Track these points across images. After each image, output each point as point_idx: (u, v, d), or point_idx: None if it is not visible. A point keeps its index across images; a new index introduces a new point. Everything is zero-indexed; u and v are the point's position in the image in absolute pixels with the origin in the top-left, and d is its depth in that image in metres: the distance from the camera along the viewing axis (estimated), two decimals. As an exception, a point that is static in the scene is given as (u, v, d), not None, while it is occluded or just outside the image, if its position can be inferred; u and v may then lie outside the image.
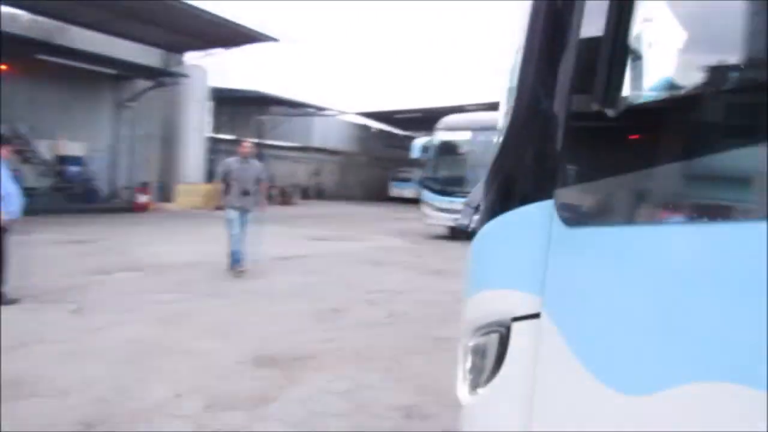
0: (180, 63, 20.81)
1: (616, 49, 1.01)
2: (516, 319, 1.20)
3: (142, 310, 5.56)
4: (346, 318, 5.68)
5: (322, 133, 34.44)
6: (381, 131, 38.94)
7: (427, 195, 14.44)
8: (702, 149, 0.96)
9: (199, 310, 5.68)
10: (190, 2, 15.96)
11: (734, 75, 1.01)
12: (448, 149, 14.89)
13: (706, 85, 1.02)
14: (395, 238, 13.61)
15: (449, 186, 14.21)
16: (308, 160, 34.02)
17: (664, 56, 1.09)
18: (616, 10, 1.01)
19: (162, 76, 19.51)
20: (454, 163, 14.76)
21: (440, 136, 15.00)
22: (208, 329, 5.00)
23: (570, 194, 1.08)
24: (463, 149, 14.77)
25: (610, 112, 1.01)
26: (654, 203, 1.03)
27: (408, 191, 33.82)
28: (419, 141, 14.81)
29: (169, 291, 6.48)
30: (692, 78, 1.06)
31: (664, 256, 0.96)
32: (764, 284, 0.79)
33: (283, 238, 11.44)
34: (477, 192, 1.91)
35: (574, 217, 1.08)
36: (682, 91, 1.06)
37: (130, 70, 18.54)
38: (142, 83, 19.39)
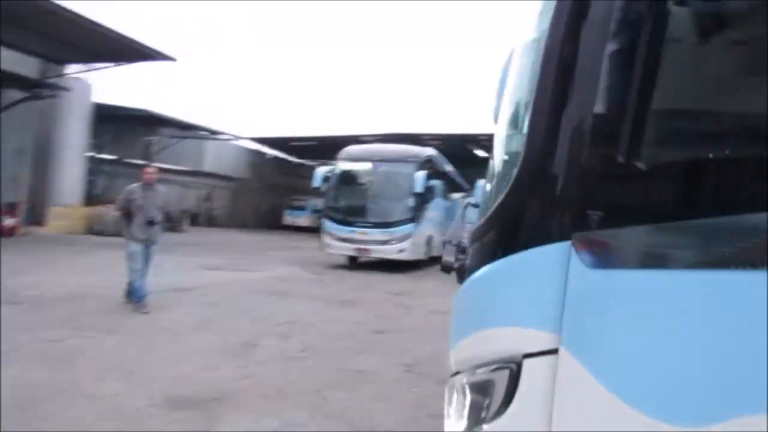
0: (60, 75, 19.23)
1: (641, 100, 1.11)
2: (528, 355, 1.25)
3: (27, 349, 4.96)
4: (258, 352, 5.46)
5: (215, 158, 33.30)
6: (276, 158, 38.45)
7: (328, 224, 14.42)
8: (725, 205, 1.07)
9: (93, 348, 5.18)
10: (76, 10, 14.86)
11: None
12: (349, 179, 15.04)
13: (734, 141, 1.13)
14: (295, 267, 13.39)
15: (350, 216, 14.31)
16: (199, 185, 32.66)
17: (688, 106, 1.21)
18: (642, 60, 1.11)
19: (38, 87, 17.86)
20: (356, 193, 14.92)
21: (342, 165, 15.13)
22: (109, 369, 4.56)
23: (591, 237, 1.16)
24: (364, 179, 14.99)
25: (638, 166, 1.11)
26: (675, 252, 1.13)
27: (302, 219, 33.55)
28: (321, 170, 14.82)
29: (56, 327, 5.85)
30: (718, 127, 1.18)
31: (682, 299, 1.05)
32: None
33: (176, 267, 10.81)
34: (456, 229, 1.95)
35: (595, 260, 1.15)
36: (709, 146, 1.17)
37: (-1, 79, 16.77)
38: (13, 94, 17.62)
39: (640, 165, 1.13)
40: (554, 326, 1.20)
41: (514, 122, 1.60)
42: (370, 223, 14.04)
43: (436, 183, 15.94)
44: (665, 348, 1.06)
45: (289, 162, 39.44)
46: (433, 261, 16.78)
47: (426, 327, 7.36)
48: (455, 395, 1.63)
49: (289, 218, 34.56)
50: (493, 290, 1.36)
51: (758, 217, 1.02)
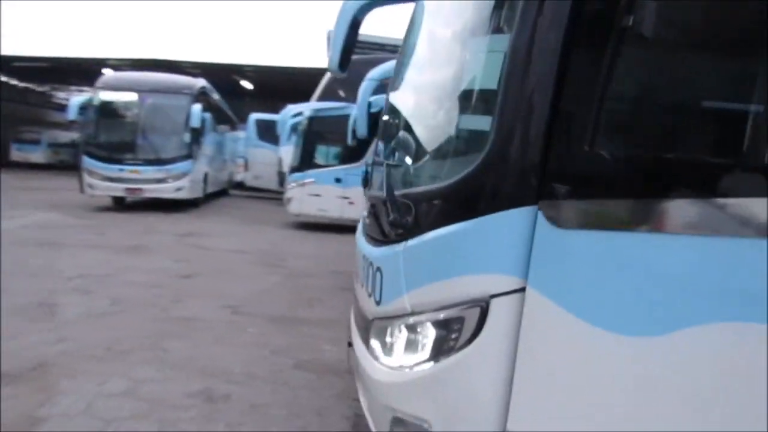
0: None
1: (600, 93, 1.48)
2: (495, 295, 1.60)
3: None
4: (61, 312, 4.91)
5: None
6: (-7, 80, 31.58)
7: (89, 162, 12.77)
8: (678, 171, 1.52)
9: None
10: None
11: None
12: (114, 111, 13.44)
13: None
14: (52, 212, 11.68)
15: (118, 153, 12.92)
16: None
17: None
18: (599, 57, 1.47)
19: None
20: (124, 127, 13.44)
21: (103, 95, 13.37)
22: None
23: (554, 204, 1.52)
24: (132, 112, 13.55)
25: (591, 153, 1.49)
26: (618, 219, 1.55)
27: (36, 155, 28.75)
28: (77, 99, 12.89)
29: None
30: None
31: (627, 251, 1.50)
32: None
33: None
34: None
35: (556, 221, 1.52)
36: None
37: None
38: None
39: (594, 152, 1.52)
40: (521, 272, 1.56)
41: (461, 96, 1.86)
42: (142, 160, 12.89)
43: (209, 116, 15.26)
44: (618, 282, 1.50)
45: (12, 86, 32.82)
46: (209, 198, 16.29)
47: (233, 268, 7.36)
48: (400, 332, 1.92)
49: (19, 154, 29.21)
50: (463, 244, 1.65)
51: (679, 202, 1.50)
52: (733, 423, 1.49)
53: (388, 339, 2.04)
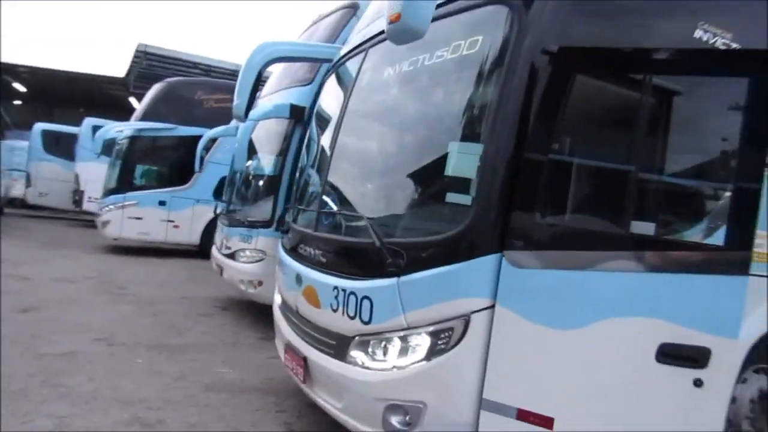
0: None
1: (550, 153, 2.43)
2: (474, 312, 2.43)
3: None
4: None
5: None
6: None
7: None
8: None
9: None
10: None
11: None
12: None
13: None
14: None
15: None
16: None
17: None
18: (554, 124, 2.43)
19: None
20: None
21: None
22: None
23: (515, 253, 2.41)
24: None
25: (542, 217, 2.42)
26: (560, 262, 2.48)
27: None
28: None
29: None
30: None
31: (564, 280, 2.44)
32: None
33: None
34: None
35: (515, 264, 2.40)
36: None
37: None
38: None
39: (536, 221, 2.47)
40: (492, 295, 2.43)
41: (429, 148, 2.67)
42: None
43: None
44: (549, 297, 2.45)
45: None
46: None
47: (73, 298, 6.96)
48: (393, 342, 2.65)
49: None
50: (455, 279, 2.45)
51: (583, 253, 2.51)
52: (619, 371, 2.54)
53: (376, 348, 2.74)
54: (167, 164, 12.16)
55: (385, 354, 2.70)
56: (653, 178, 2.57)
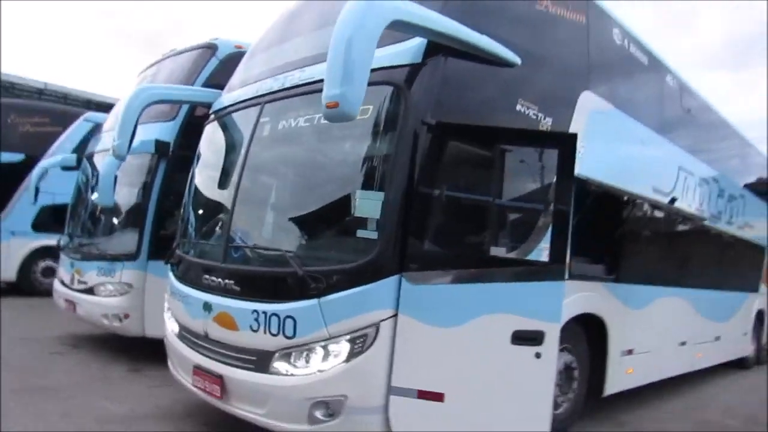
0: None
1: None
2: (383, 320, 3.16)
3: None
4: None
5: None
6: None
7: None
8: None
9: None
10: None
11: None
12: None
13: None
14: None
15: None
16: None
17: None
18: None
19: None
20: None
21: None
22: None
23: (412, 274, 3.19)
24: None
25: (431, 244, 3.24)
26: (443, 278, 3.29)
27: None
28: None
29: None
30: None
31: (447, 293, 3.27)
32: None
33: None
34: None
35: (412, 281, 3.19)
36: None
37: None
38: None
39: (424, 249, 3.30)
40: (395, 306, 3.20)
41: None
42: None
43: None
44: (435, 305, 3.28)
45: None
46: None
47: None
48: (316, 351, 3.27)
49: None
50: (367, 296, 3.16)
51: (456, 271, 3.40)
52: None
53: (298, 358, 3.33)
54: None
55: (307, 361, 3.31)
56: (501, 216, 3.62)
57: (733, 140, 8.79)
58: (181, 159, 6.17)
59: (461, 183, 3.57)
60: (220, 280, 3.83)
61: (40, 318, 8.66)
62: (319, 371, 3.26)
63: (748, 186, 8.99)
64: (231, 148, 4.40)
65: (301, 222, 3.76)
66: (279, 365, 3.40)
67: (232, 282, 3.75)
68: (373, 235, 3.25)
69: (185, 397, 4.81)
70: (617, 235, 5.32)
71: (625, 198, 5.33)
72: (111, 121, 7.85)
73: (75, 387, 5.27)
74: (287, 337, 3.36)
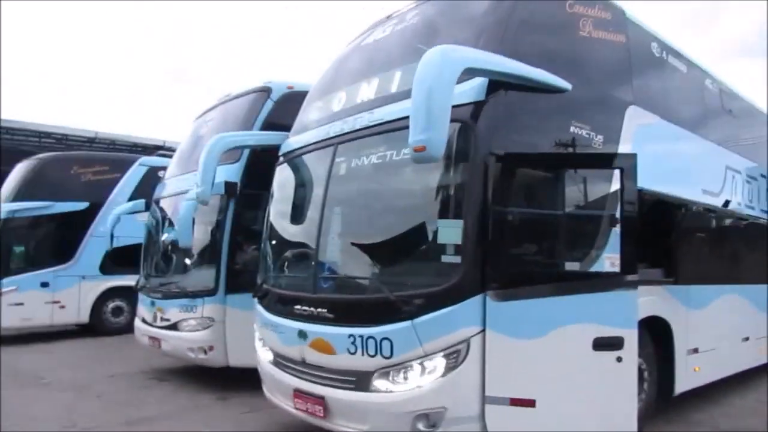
0: None
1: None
2: (473, 336, 3.48)
3: None
4: None
5: None
6: None
7: None
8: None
9: None
10: None
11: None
12: None
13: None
14: None
15: None
16: None
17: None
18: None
19: None
20: None
21: None
22: None
23: (495, 292, 3.51)
24: None
25: (511, 268, 3.56)
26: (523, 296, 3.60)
27: None
28: None
29: None
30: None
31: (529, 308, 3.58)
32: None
33: None
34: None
35: (496, 299, 3.50)
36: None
37: None
38: None
39: (504, 270, 3.61)
40: (482, 323, 3.52)
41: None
42: None
43: None
44: (517, 318, 3.58)
45: None
46: None
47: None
48: (413, 368, 3.60)
49: None
50: (456, 315, 3.49)
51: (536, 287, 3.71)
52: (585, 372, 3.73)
53: (397, 375, 3.66)
54: (47, 243, 11.66)
55: (406, 378, 3.65)
56: (570, 232, 3.92)
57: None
58: (247, 197, 6.67)
59: (531, 206, 3.89)
60: (312, 309, 4.21)
61: (119, 355, 9.20)
62: (418, 386, 3.59)
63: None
64: (308, 187, 4.82)
65: (385, 251, 4.12)
66: (379, 383, 3.74)
67: (324, 310, 4.12)
68: (456, 260, 3.59)
69: (277, 420, 5.21)
70: (673, 239, 5.51)
71: (677, 203, 5.54)
72: (174, 168, 8.44)
73: (171, 416, 5.71)
74: (385, 357, 3.70)
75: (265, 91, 7.32)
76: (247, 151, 6.82)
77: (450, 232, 3.63)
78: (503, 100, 3.79)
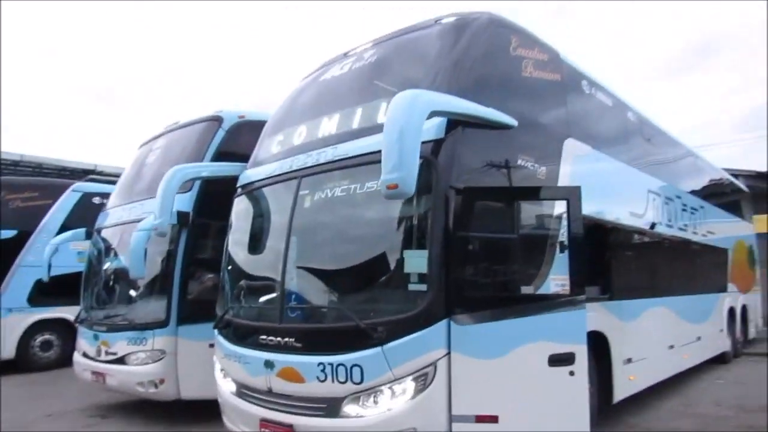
0: None
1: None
2: (439, 358, 3.71)
3: None
4: None
5: None
6: None
7: None
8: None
9: None
10: None
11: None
12: None
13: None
14: None
15: None
16: None
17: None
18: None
19: None
20: None
21: None
22: None
23: (457, 317, 3.75)
24: None
25: (470, 294, 3.82)
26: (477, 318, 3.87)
27: None
28: None
29: None
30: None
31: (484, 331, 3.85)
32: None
33: None
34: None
35: (459, 323, 3.74)
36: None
37: None
38: None
39: (465, 297, 3.87)
40: (447, 346, 3.76)
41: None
42: None
43: None
44: (480, 340, 3.84)
45: None
46: None
47: None
48: (383, 392, 3.78)
49: None
50: (423, 340, 3.71)
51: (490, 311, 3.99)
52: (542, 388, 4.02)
53: (367, 400, 3.83)
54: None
55: (376, 402, 3.82)
56: (525, 259, 4.27)
57: (687, 157, 9.80)
58: (199, 227, 6.65)
59: (489, 236, 4.19)
60: (279, 338, 4.31)
61: (53, 392, 8.77)
62: (388, 409, 3.77)
63: (699, 193, 9.91)
64: (271, 218, 4.93)
65: (353, 281, 4.31)
66: (349, 409, 3.89)
67: (292, 339, 4.23)
68: (422, 287, 3.83)
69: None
70: (607, 259, 6.02)
71: (609, 225, 6.06)
72: (117, 196, 8.24)
73: None
74: (355, 383, 3.86)
75: (216, 120, 7.34)
76: (198, 181, 6.81)
77: (416, 262, 3.87)
78: (460, 138, 4.09)
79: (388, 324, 3.83)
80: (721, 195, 11.34)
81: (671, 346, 7.46)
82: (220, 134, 7.19)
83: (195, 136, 7.36)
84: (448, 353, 3.76)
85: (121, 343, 6.75)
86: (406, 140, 3.34)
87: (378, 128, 4.20)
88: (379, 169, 3.93)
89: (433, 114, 3.69)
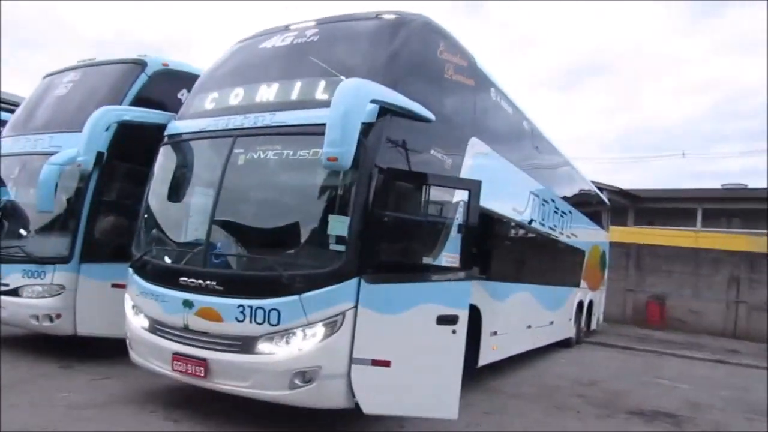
0: None
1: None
2: (347, 309, 4.31)
3: None
4: None
5: None
6: None
7: None
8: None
9: None
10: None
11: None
12: None
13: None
14: None
15: None
16: None
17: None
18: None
19: None
20: None
21: None
22: None
23: (367, 276, 4.38)
24: None
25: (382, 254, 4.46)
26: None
27: None
28: None
29: None
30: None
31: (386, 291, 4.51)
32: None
33: None
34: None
35: (370, 282, 4.34)
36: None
37: None
38: None
39: (369, 258, 4.51)
40: (355, 300, 4.39)
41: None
42: None
43: None
44: (389, 299, 4.52)
45: None
46: None
47: None
48: (301, 333, 4.34)
49: None
50: (337, 293, 4.30)
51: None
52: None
53: (280, 340, 4.38)
54: None
55: (288, 342, 4.37)
56: (429, 235, 5.00)
57: (564, 166, 11.23)
58: (112, 169, 6.67)
59: (402, 211, 4.85)
60: (200, 281, 4.69)
61: None
62: (299, 349, 4.35)
63: (569, 199, 11.41)
64: (200, 171, 5.25)
65: (278, 236, 4.79)
66: (263, 347, 4.41)
67: (214, 283, 4.64)
68: (341, 248, 4.41)
69: (134, 385, 5.56)
70: (488, 244, 6.98)
71: (494, 216, 7.01)
72: (16, 124, 7.90)
73: (14, 386, 5.49)
74: (272, 325, 4.38)
75: (140, 64, 7.32)
76: (115, 123, 6.80)
77: (338, 226, 4.44)
78: (387, 125, 4.68)
79: (308, 276, 4.39)
80: (587, 204, 13.08)
81: (529, 326, 8.75)
82: (143, 78, 7.21)
83: (115, 76, 7.30)
84: (356, 306, 4.38)
85: (15, 275, 6.66)
86: (349, 121, 3.90)
87: (316, 103, 4.76)
88: (313, 140, 4.48)
89: (372, 101, 4.26)
